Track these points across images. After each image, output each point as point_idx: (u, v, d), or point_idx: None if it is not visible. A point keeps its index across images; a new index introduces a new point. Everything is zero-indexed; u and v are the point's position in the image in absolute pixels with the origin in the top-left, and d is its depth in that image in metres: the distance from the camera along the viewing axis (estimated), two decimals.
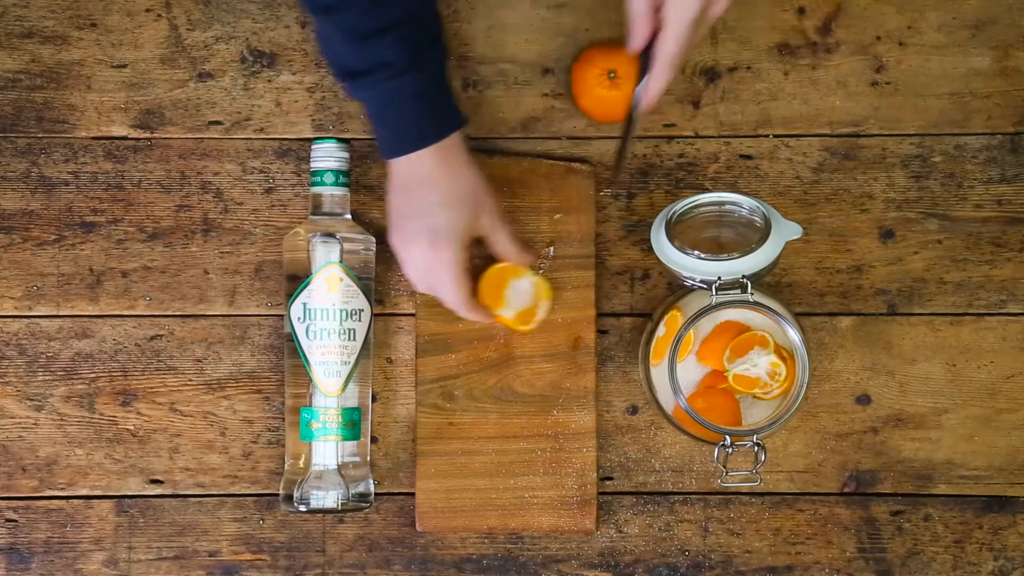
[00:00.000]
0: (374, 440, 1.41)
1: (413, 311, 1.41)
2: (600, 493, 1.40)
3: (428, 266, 1.32)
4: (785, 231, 1.32)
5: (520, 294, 1.37)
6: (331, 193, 1.37)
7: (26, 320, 1.41)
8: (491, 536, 1.41)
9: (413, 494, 1.40)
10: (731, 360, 1.33)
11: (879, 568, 1.40)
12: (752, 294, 1.29)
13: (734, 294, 1.30)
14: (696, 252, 1.30)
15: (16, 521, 1.40)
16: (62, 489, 1.41)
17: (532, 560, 1.40)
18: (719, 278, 1.30)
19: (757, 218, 1.32)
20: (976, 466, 1.41)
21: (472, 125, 1.42)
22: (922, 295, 1.41)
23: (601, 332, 1.41)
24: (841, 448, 1.41)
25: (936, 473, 1.41)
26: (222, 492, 1.41)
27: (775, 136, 1.42)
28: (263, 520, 1.41)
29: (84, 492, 1.41)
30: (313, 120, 1.42)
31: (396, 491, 1.41)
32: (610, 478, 1.41)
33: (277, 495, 1.40)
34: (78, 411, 1.41)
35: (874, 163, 1.42)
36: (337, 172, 1.36)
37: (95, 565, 1.40)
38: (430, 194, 1.30)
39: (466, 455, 1.40)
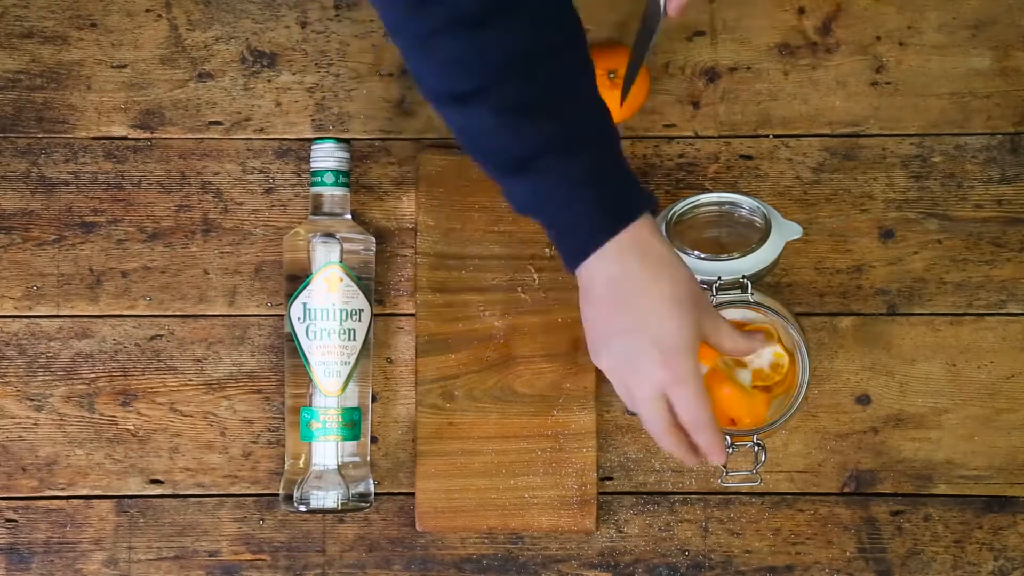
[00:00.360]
0: (374, 440, 1.41)
1: (413, 311, 1.41)
2: (600, 493, 1.40)
3: (663, 387, 1.13)
4: (785, 231, 1.32)
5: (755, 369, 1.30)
6: (331, 193, 1.36)
7: (26, 320, 1.41)
8: (491, 536, 1.41)
9: (413, 494, 1.40)
10: None
11: (879, 568, 1.40)
12: (752, 294, 1.29)
13: (734, 294, 1.30)
14: (696, 252, 1.30)
15: (16, 521, 1.40)
16: (62, 489, 1.41)
17: (532, 560, 1.40)
18: (719, 278, 1.30)
19: (757, 218, 1.32)
20: (976, 466, 1.41)
21: None
22: (922, 295, 1.41)
23: None
24: (841, 448, 1.41)
25: (936, 473, 1.41)
26: (222, 492, 1.41)
27: (775, 136, 1.42)
28: (263, 520, 1.41)
29: (84, 492, 1.41)
30: (313, 120, 1.42)
31: (396, 491, 1.41)
32: (610, 478, 1.41)
33: (277, 495, 1.40)
34: (78, 411, 1.41)
35: (874, 163, 1.42)
36: (337, 172, 1.36)
37: (95, 565, 1.40)
38: (647, 300, 1.11)
39: (466, 455, 1.40)
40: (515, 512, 1.39)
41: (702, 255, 1.30)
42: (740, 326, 1.33)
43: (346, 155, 1.36)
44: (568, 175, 1.09)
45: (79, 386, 1.41)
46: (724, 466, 1.31)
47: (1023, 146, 1.42)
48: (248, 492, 1.41)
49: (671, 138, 1.43)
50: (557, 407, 1.39)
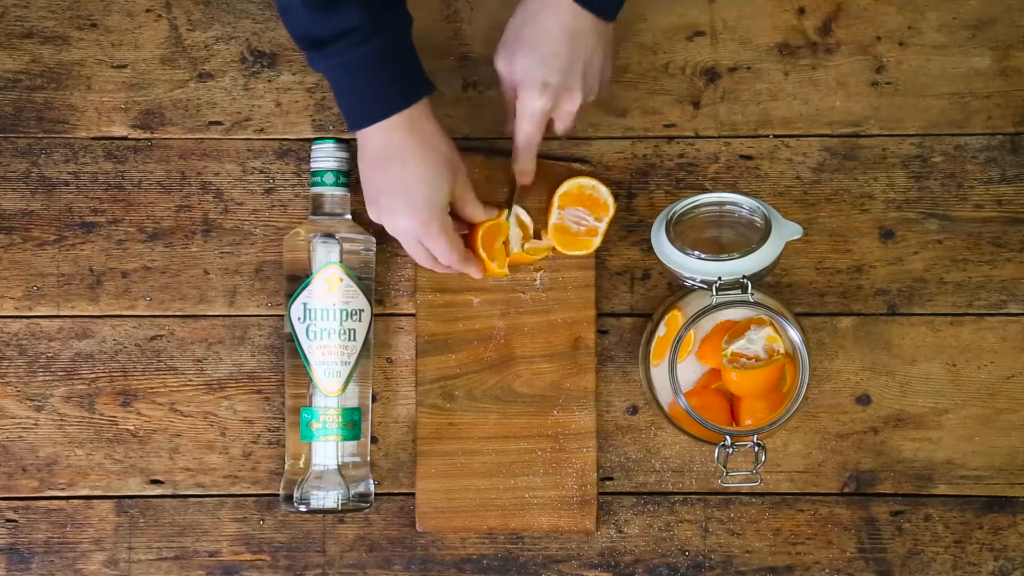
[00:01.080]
0: (374, 440, 1.41)
1: (413, 311, 1.41)
2: (600, 493, 1.40)
3: (417, 236, 1.32)
4: (785, 231, 1.32)
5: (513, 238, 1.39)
6: (331, 193, 1.37)
7: (26, 320, 1.41)
8: (491, 536, 1.41)
9: (413, 494, 1.40)
10: (729, 341, 1.32)
11: (879, 568, 1.40)
12: (752, 294, 1.29)
13: (734, 294, 1.30)
14: (696, 252, 1.30)
15: (16, 521, 1.40)
16: (62, 489, 1.41)
17: (532, 560, 1.40)
18: (719, 278, 1.30)
19: (757, 218, 1.32)
20: (976, 466, 1.41)
21: (472, 125, 1.42)
22: (922, 295, 1.41)
23: (601, 332, 1.41)
24: (841, 448, 1.41)
25: (936, 473, 1.41)
26: (222, 492, 1.41)
27: (775, 136, 1.42)
28: (263, 520, 1.41)
29: (84, 492, 1.41)
30: (313, 120, 1.42)
31: (396, 491, 1.41)
32: (610, 478, 1.41)
33: (277, 495, 1.40)
34: (78, 411, 1.41)
35: (874, 163, 1.42)
36: (337, 172, 1.36)
37: (95, 565, 1.40)
38: (405, 168, 1.30)
39: (466, 455, 1.40)
40: (515, 512, 1.39)
41: (702, 255, 1.30)
42: (741, 323, 1.33)
43: (346, 155, 1.37)
44: (365, 57, 1.27)
45: (79, 386, 1.41)
46: (724, 466, 1.31)
47: (1023, 146, 1.42)
48: (248, 492, 1.41)
49: (671, 138, 1.43)
50: (557, 407, 1.39)
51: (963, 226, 1.42)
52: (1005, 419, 1.41)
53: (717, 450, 1.30)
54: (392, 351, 1.41)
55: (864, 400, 1.41)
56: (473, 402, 1.40)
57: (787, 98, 1.42)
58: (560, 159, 1.42)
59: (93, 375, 1.41)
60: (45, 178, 1.42)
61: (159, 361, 1.41)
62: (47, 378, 1.41)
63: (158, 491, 1.41)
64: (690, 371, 1.35)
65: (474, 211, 1.36)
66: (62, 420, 1.41)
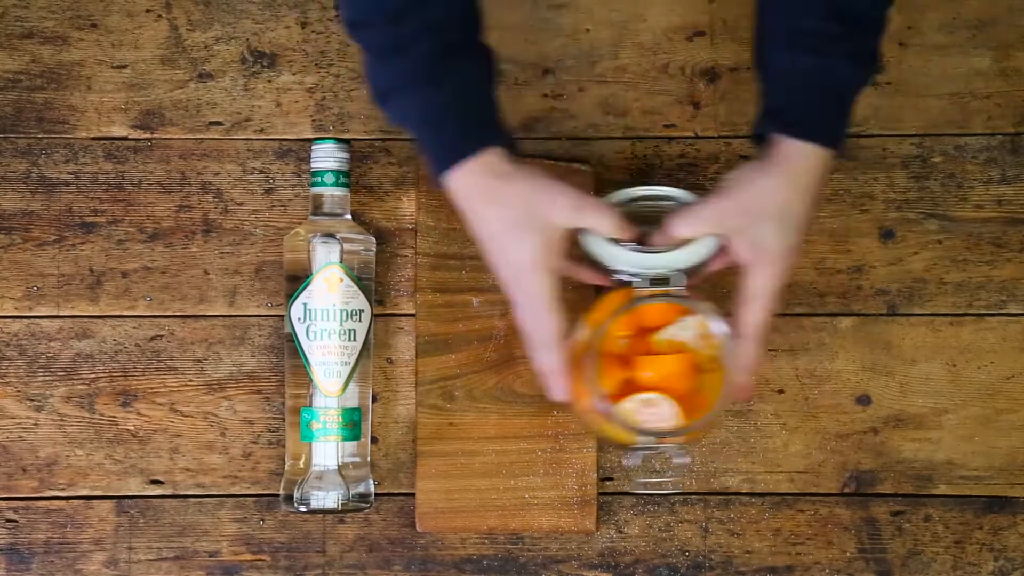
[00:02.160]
0: (374, 440, 1.41)
1: (413, 311, 1.41)
2: (600, 493, 1.40)
3: (509, 301, 1.22)
4: None
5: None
6: (331, 193, 1.37)
7: (26, 320, 1.41)
8: (491, 536, 1.41)
9: (413, 494, 1.40)
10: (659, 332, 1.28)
11: (879, 568, 1.40)
12: (679, 289, 1.24)
13: (664, 287, 1.24)
14: (631, 244, 1.25)
15: (16, 521, 1.40)
16: (62, 489, 1.41)
17: (532, 560, 1.40)
18: (651, 271, 1.25)
19: None
20: (976, 466, 1.41)
21: None
22: (922, 295, 1.41)
23: None
24: (841, 448, 1.41)
25: (936, 473, 1.41)
26: (222, 492, 1.41)
27: None
28: (263, 520, 1.41)
29: (84, 492, 1.41)
30: (313, 121, 1.43)
31: (396, 491, 1.41)
32: (610, 478, 1.41)
33: (277, 495, 1.40)
34: (78, 411, 1.41)
35: (874, 163, 1.42)
36: (337, 172, 1.36)
37: (95, 565, 1.40)
38: (481, 227, 1.21)
39: (466, 455, 1.40)
40: (515, 512, 1.39)
41: (636, 247, 1.25)
42: (674, 312, 1.28)
43: (346, 155, 1.37)
44: (421, 106, 1.18)
45: (79, 386, 1.41)
46: (640, 469, 1.27)
47: (1023, 146, 1.42)
48: (248, 492, 1.41)
49: (671, 138, 1.43)
50: (557, 407, 1.39)
51: (963, 226, 1.42)
52: (1005, 419, 1.41)
53: (630, 453, 1.25)
54: (392, 351, 1.41)
55: (864, 400, 1.41)
56: (473, 402, 1.40)
57: None
58: (560, 159, 1.42)
59: (93, 375, 1.41)
60: (45, 178, 1.42)
61: (159, 361, 1.41)
62: (47, 378, 1.41)
63: (158, 491, 1.41)
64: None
65: (602, 223, 1.22)
66: (62, 420, 1.41)
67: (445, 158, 1.20)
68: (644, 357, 1.26)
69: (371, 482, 1.38)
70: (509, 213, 1.19)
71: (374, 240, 1.39)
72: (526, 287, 1.20)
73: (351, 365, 1.36)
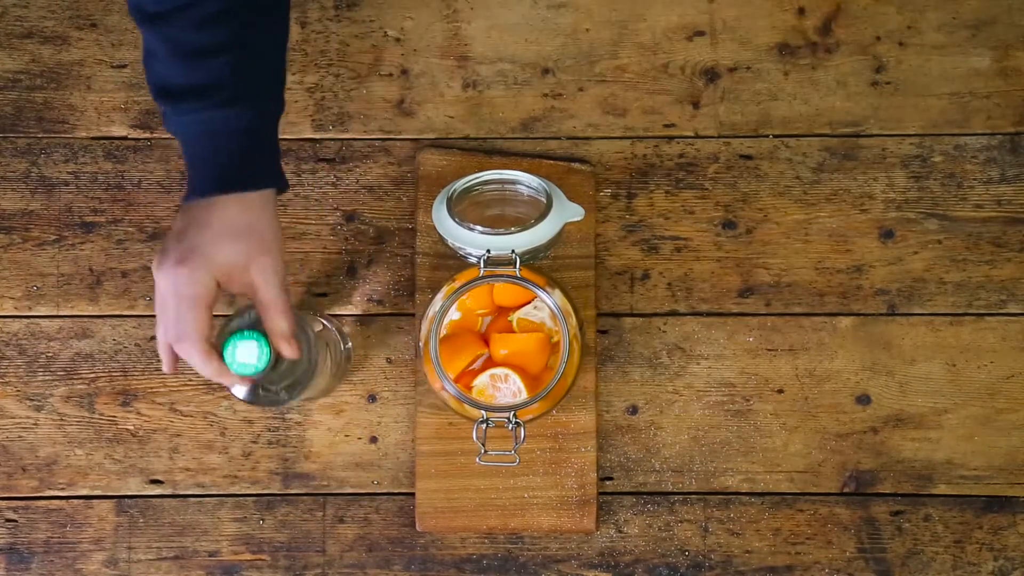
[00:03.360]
0: (374, 440, 1.41)
1: (413, 311, 1.41)
2: (600, 493, 1.40)
3: (172, 287, 1.15)
4: (567, 212, 1.32)
5: None
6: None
7: (26, 320, 1.41)
8: (491, 536, 1.41)
9: (413, 494, 1.40)
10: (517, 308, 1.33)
11: (879, 568, 1.40)
12: (519, 269, 1.28)
13: (502, 268, 1.28)
14: (477, 227, 1.29)
15: (16, 521, 1.40)
16: (62, 489, 1.41)
17: (532, 560, 1.40)
18: (488, 251, 1.29)
19: (541, 197, 1.31)
20: (976, 466, 1.41)
21: (472, 125, 1.42)
22: (922, 295, 1.41)
23: (601, 332, 1.41)
24: (841, 448, 1.41)
25: (936, 473, 1.41)
26: (222, 492, 1.41)
27: (775, 136, 1.42)
28: (263, 520, 1.41)
29: (84, 492, 1.41)
30: (313, 120, 1.42)
31: (396, 491, 1.41)
32: (610, 478, 1.41)
33: (277, 495, 1.40)
34: (78, 411, 1.41)
35: (874, 163, 1.42)
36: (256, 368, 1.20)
37: (95, 565, 1.40)
38: (203, 229, 1.15)
39: (466, 455, 1.40)
40: (515, 512, 1.39)
41: (482, 229, 1.29)
42: (531, 293, 1.32)
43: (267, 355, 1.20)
44: (228, 121, 1.15)
45: (79, 386, 1.41)
46: (482, 444, 1.28)
47: (1023, 146, 1.42)
48: (248, 492, 1.41)
49: (671, 138, 1.43)
50: (557, 407, 1.39)
51: (963, 226, 1.42)
52: (1005, 419, 1.41)
53: (476, 427, 1.27)
54: (392, 351, 1.41)
55: (864, 400, 1.41)
56: None
57: (787, 98, 1.42)
58: (560, 159, 1.42)
59: (93, 375, 1.41)
60: (45, 178, 1.42)
61: (159, 361, 1.41)
62: (47, 378, 1.41)
63: (158, 491, 1.41)
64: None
65: (272, 296, 1.18)
66: (62, 420, 1.41)
67: (229, 178, 1.15)
68: (499, 335, 1.33)
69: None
70: (236, 224, 1.15)
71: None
72: (186, 319, 1.16)
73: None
